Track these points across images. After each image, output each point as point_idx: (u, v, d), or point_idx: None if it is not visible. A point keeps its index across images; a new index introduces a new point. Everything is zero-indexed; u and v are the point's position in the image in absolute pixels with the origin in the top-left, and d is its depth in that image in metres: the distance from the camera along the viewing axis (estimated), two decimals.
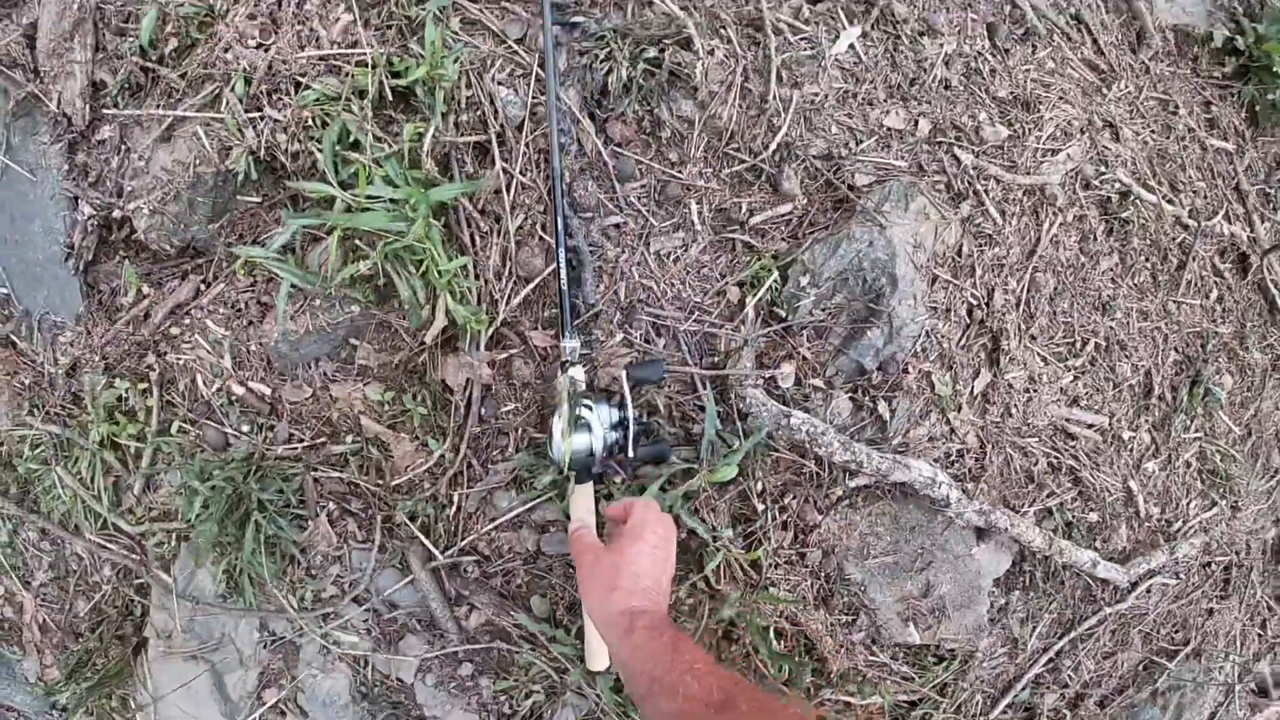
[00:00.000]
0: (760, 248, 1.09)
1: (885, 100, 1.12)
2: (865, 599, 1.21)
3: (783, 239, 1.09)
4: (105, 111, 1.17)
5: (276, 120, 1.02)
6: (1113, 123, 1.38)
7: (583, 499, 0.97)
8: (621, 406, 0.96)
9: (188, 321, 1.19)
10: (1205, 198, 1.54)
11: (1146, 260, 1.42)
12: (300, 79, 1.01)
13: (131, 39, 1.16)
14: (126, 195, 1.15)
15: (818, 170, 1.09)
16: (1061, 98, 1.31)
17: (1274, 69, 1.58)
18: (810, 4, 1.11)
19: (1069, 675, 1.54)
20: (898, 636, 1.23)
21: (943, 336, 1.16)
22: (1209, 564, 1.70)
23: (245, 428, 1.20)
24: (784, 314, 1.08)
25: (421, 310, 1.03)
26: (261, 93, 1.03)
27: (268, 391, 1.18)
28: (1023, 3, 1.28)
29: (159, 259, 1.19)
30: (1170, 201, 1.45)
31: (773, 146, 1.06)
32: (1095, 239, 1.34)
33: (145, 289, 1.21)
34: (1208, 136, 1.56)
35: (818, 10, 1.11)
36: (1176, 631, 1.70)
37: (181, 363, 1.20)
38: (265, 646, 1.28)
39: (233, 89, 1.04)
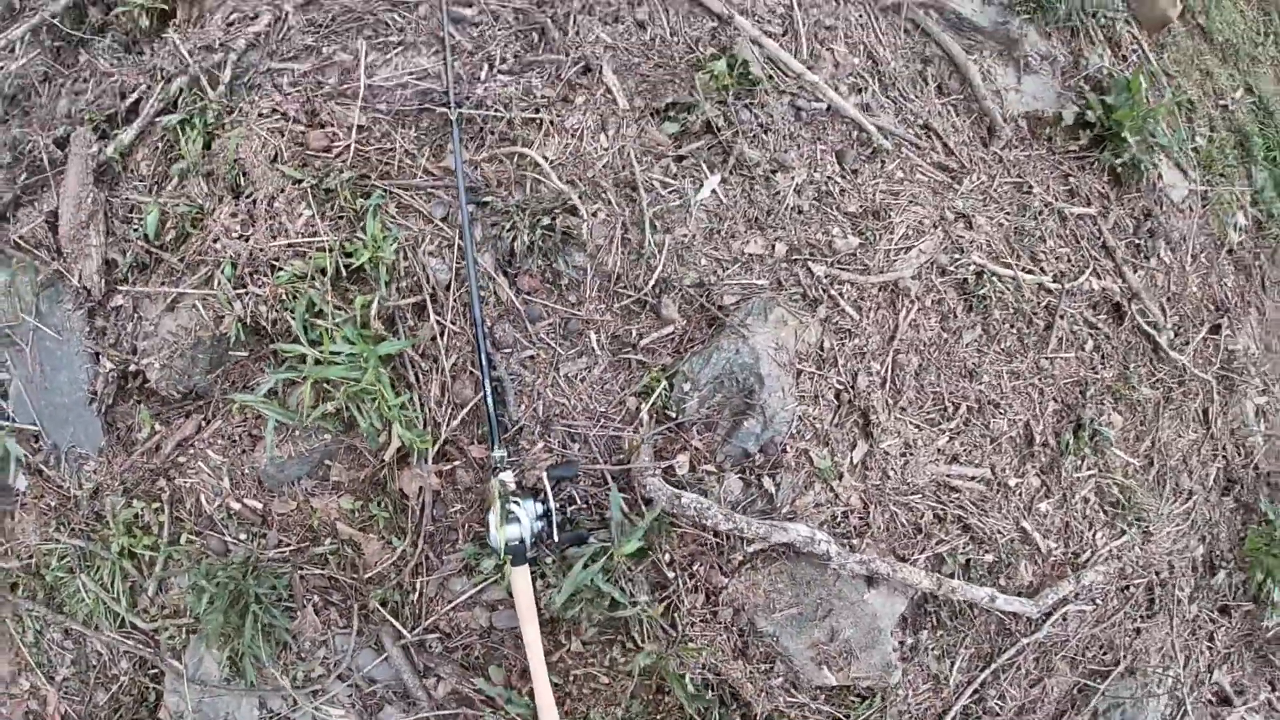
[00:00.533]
0: (650, 363, 1.46)
1: (745, 232, 1.51)
2: (779, 647, 1.54)
3: (668, 354, 1.47)
4: (119, 288, 1.59)
5: (258, 295, 1.42)
6: (965, 213, 1.76)
7: (520, 580, 1.33)
8: (545, 501, 1.33)
9: (192, 451, 1.58)
10: (1069, 261, 1.90)
11: (1011, 327, 1.78)
12: (275, 263, 1.42)
13: (137, 228, 1.59)
14: (140, 353, 1.56)
15: (692, 296, 1.47)
16: (912, 201, 1.69)
17: (1123, 135, 1.96)
18: (675, 161, 1.51)
19: (997, 705, 1.84)
20: (815, 679, 1.56)
21: (815, 418, 1.52)
22: (1127, 587, 2.00)
23: (242, 536, 1.58)
24: (674, 415, 1.45)
25: (379, 436, 1.41)
26: (245, 273, 1.44)
27: (259, 506, 1.56)
28: (869, 126, 1.67)
29: (168, 402, 1.59)
30: (1030, 272, 1.81)
31: (652, 282, 1.45)
32: (955, 317, 1.70)
33: (157, 426, 1.61)
34: (1068, 206, 1.94)
35: (683, 165, 1.51)
36: (1105, 653, 2.00)
37: (188, 485, 1.59)
38: None
39: (222, 271, 1.45)
